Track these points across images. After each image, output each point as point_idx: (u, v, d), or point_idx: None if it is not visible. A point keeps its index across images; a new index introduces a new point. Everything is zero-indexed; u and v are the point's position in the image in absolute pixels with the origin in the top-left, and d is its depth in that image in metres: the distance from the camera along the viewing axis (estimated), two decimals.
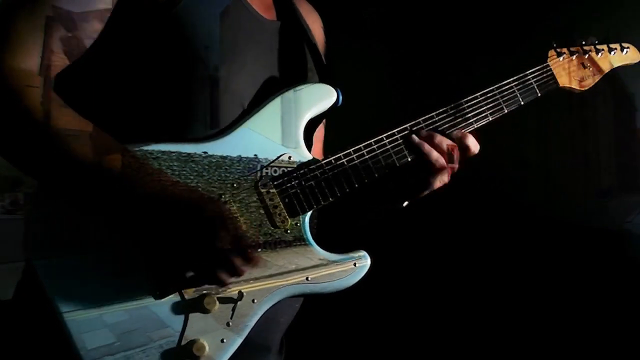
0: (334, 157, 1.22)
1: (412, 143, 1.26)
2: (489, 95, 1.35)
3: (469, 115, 1.32)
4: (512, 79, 1.37)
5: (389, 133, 1.27)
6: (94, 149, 1.02)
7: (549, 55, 1.45)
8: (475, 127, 1.33)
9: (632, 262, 2.62)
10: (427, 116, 1.30)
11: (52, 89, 1.08)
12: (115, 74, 1.16)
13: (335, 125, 1.56)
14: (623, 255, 2.70)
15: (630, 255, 2.68)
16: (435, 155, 1.25)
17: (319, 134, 1.46)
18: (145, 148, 1.07)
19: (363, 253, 1.20)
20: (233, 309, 1.09)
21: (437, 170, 1.25)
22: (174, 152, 1.09)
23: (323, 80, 1.38)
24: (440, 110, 1.30)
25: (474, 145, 1.30)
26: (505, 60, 1.44)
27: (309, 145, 1.35)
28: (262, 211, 1.14)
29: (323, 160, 1.21)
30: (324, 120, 1.49)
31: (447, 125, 1.30)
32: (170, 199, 1.02)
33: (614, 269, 2.68)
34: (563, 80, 1.45)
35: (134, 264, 1.04)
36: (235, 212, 1.10)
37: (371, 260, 1.20)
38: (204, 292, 1.07)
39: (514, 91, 1.37)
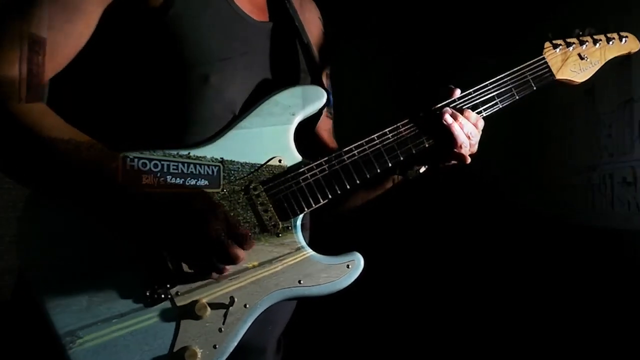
0: (324, 159, 1.20)
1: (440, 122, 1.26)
2: (482, 91, 1.32)
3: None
4: (505, 74, 1.34)
5: (380, 132, 1.25)
6: (81, 155, 1.02)
7: (545, 47, 1.41)
8: None
9: (631, 262, 2.58)
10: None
11: (42, 95, 1.09)
12: (106, 80, 1.16)
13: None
14: (622, 255, 2.66)
15: (629, 256, 2.63)
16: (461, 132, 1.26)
17: (323, 124, 1.45)
18: (133, 154, 1.07)
19: (356, 255, 1.18)
20: (225, 315, 1.08)
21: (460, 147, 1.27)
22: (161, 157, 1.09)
23: (315, 81, 1.36)
24: (435, 107, 1.29)
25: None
26: (505, 60, 1.41)
27: (303, 146, 1.34)
28: (252, 215, 1.13)
29: (314, 162, 1.19)
30: (326, 112, 1.48)
31: None
32: (158, 197, 1.03)
33: (612, 268, 2.64)
34: (560, 73, 1.41)
35: (125, 272, 1.04)
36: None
37: (364, 262, 1.18)
38: (195, 298, 1.07)
39: (508, 86, 1.34)
